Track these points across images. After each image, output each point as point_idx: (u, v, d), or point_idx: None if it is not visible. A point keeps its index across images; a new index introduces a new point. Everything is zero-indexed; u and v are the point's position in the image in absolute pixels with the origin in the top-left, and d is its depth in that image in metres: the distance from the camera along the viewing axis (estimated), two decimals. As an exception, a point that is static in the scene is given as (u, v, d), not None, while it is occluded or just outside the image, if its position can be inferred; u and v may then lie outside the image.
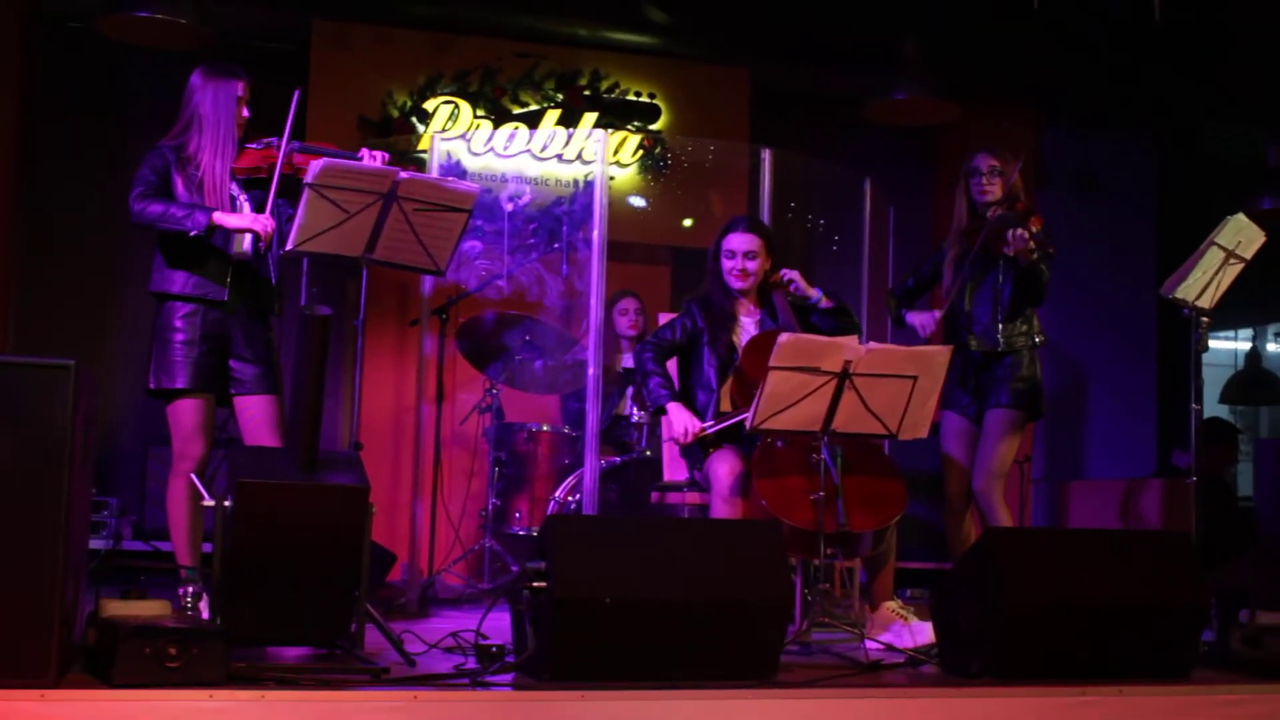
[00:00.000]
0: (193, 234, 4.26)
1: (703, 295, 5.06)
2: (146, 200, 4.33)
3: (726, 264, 4.99)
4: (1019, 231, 4.96)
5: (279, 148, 4.40)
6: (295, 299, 4.80)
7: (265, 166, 4.42)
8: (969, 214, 5.25)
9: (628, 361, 6.69)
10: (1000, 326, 5.16)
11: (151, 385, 4.41)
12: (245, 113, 4.49)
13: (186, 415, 4.39)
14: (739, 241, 4.98)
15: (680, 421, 4.78)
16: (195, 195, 4.39)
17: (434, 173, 5.95)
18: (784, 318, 4.93)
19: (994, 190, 5.17)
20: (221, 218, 4.30)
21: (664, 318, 5.60)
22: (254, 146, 4.48)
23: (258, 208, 4.44)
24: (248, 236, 4.40)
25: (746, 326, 4.99)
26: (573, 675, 3.43)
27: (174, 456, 4.41)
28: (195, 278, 4.39)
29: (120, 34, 6.52)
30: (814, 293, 4.96)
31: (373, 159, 4.45)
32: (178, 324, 4.37)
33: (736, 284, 4.99)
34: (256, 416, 4.44)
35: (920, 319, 5.32)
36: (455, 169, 7.16)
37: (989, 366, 5.20)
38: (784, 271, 4.99)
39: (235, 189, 4.47)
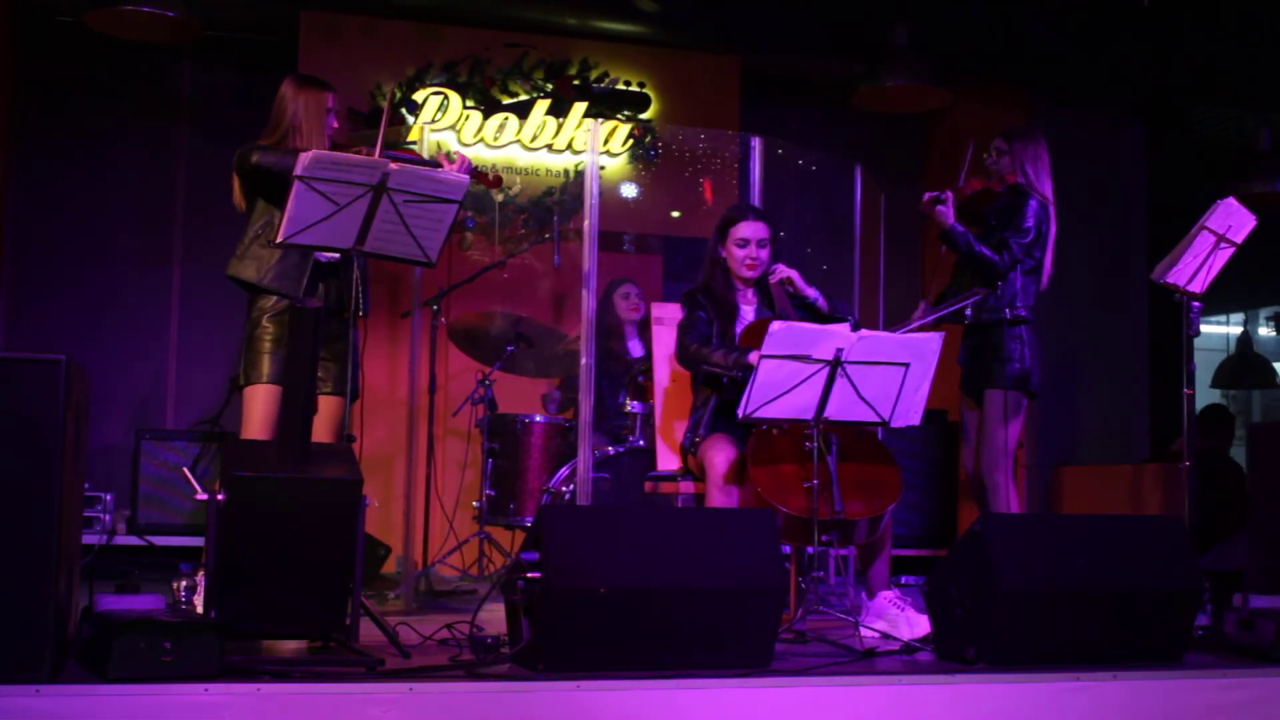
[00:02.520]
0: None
1: (705, 286, 5.02)
2: (264, 151, 4.50)
3: (740, 253, 4.96)
4: (926, 194, 5.33)
5: (369, 155, 4.45)
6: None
7: None
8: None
9: (636, 350, 6.67)
10: (982, 299, 5.30)
11: (242, 383, 4.56)
12: (334, 123, 4.67)
13: (259, 405, 4.51)
14: (752, 230, 4.96)
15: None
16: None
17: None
18: (781, 305, 4.93)
19: (998, 168, 5.46)
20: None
21: (656, 308, 5.60)
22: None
23: None
24: None
25: (746, 315, 4.99)
26: (567, 666, 3.43)
27: None
28: (273, 270, 4.52)
29: (107, 27, 6.50)
30: (811, 292, 4.97)
31: (457, 166, 4.60)
32: (266, 322, 4.54)
33: (749, 273, 4.97)
34: (322, 415, 4.48)
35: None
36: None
37: (977, 343, 5.35)
38: (784, 269, 4.99)
39: None
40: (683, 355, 4.94)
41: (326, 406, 4.51)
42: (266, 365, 4.52)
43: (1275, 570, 4.83)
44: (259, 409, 4.52)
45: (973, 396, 5.39)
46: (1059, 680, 3.65)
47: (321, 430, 4.44)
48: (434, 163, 4.65)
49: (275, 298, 4.55)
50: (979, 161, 5.55)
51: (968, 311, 5.27)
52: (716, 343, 4.87)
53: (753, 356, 4.61)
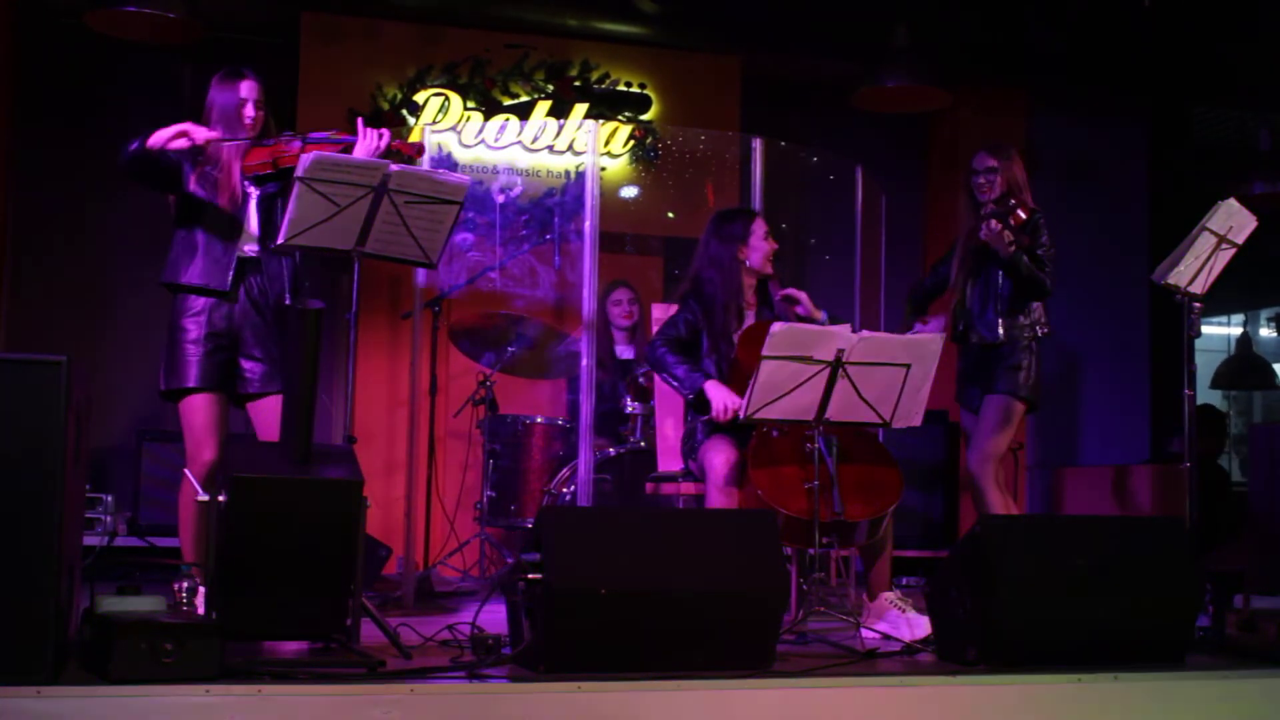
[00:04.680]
0: (133, 148, 4.31)
1: (701, 294, 5.00)
2: (130, 141, 4.38)
3: (766, 246, 4.99)
4: (992, 223, 5.09)
5: (288, 142, 4.45)
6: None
7: (272, 161, 4.46)
8: (971, 212, 5.35)
9: (624, 353, 6.70)
10: (1000, 320, 5.22)
11: (162, 387, 4.45)
12: (251, 111, 4.51)
13: (197, 414, 4.41)
14: (764, 224, 5.03)
15: (720, 399, 4.66)
16: (209, 190, 4.47)
17: (425, 165, 5.93)
18: (780, 309, 4.95)
19: (992, 190, 5.27)
20: (156, 137, 4.32)
21: (657, 308, 5.60)
22: (266, 144, 4.51)
23: (268, 204, 4.51)
24: (251, 236, 4.46)
25: (748, 319, 5.00)
26: (569, 667, 3.43)
27: (187, 458, 4.42)
28: (198, 267, 4.43)
29: (109, 28, 6.51)
30: (821, 315, 4.98)
31: (374, 136, 4.46)
32: (186, 323, 4.42)
33: (771, 268, 5.02)
34: (268, 417, 4.45)
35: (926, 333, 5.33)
36: (446, 161, 7.15)
37: (990, 356, 5.26)
38: (792, 291, 5.01)
39: (248, 185, 4.52)
40: (650, 354, 4.96)
41: (272, 406, 4.44)
42: (192, 371, 4.38)
43: (1276, 571, 4.83)
44: (199, 417, 4.39)
45: (975, 409, 5.32)
46: (1060, 681, 3.66)
47: (274, 431, 4.40)
48: (349, 143, 4.47)
49: (192, 296, 4.43)
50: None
51: (1000, 331, 5.21)
52: (707, 349, 4.88)
53: (709, 386, 4.68)
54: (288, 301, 4.48)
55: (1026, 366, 5.21)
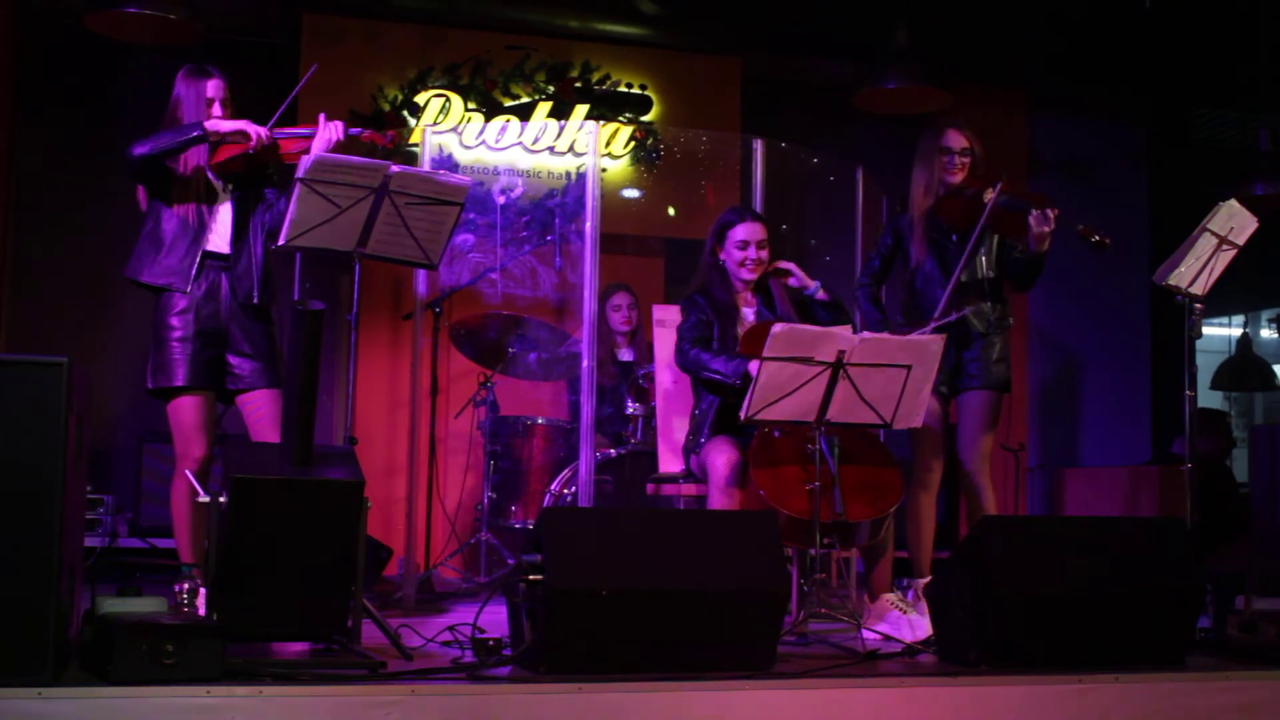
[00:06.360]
0: (194, 135, 4.35)
1: (703, 289, 5.01)
2: (141, 140, 4.38)
3: (738, 255, 4.95)
4: (1048, 213, 4.79)
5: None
6: (289, 294, 4.80)
7: (240, 156, 4.43)
8: (932, 193, 5.09)
9: (625, 355, 6.70)
10: (988, 307, 5.05)
11: (150, 385, 4.42)
12: (218, 111, 4.48)
13: (186, 413, 4.39)
14: (750, 231, 4.95)
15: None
16: (178, 187, 4.44)
17: (426, 166, 5.94)
18: (782, 307, 4.91)
19: (963, 171, 5.06)
20: (213, 124, 4.38)
21: (657, 310, 5.60)
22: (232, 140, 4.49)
23: (242, 203, 4.49)
24: (222, 233, 4.45)
25: (747, 317, 4.98)
26: (569, 668, 3.43)
27: (176, 456, 4.41)
28: (161, 266, 4.41)
29: (110, 30, 6.51)
30: (812, 285, 4.96)
31: (331, 128, 4.44)
32: (173, 321, 4.39)
33: (750, 275, 4.96)
34: (259, 412, 4.45)
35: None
36: (447, 162, 7.16)
37: (967, 347, 5.06)
38: (782, 263, 4.98)
39: (216, 181, 4.49)
40: (682, 360, 4.92)
41: (262, 402, 4.45)
42: (179, 370, 4.36)
43: (1277, 572, 4.83)
44: (187, 416, 4.38)
45: (939, 393, 5.02)
46: (1061, 683, 3.66)
47: (269, 427, 4.40)
48: (309, 134, 4.46)
49: (177, 294, 4.39)
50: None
51: (991, 319, 5.05)
52: (717, 347, 4.86)
53: (753, 365, 4.60)
54: (255, 300, 4.45)
55: (1004, 358, 5.10)
